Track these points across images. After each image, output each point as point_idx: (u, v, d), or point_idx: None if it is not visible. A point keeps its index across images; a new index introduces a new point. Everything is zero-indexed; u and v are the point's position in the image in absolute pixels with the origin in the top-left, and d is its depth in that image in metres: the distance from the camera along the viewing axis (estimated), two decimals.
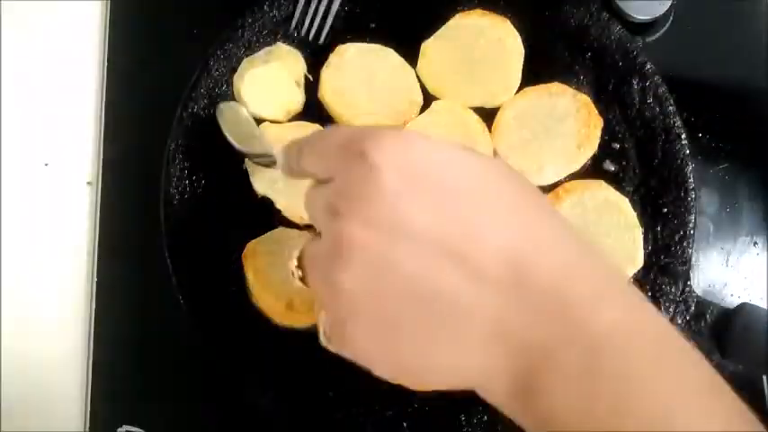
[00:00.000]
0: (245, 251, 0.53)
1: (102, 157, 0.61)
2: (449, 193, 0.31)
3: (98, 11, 0.64)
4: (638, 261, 0.52)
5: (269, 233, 0.54)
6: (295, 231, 0.54)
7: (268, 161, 0.51)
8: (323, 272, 0.33)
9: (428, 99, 0.56)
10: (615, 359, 0.28)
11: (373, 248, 0.31)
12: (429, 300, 0.30)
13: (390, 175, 0.31)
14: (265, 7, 0.57)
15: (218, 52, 0.56)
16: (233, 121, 0.53)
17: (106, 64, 0.63)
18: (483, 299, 0.30)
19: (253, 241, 0.53)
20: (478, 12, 0.56)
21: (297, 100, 0.56)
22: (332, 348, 0.35)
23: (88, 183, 0.61)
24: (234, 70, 0.57)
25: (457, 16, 0.56)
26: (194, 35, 0.62)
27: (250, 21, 0.57)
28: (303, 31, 0.57)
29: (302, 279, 0.37)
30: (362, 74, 0.56)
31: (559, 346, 0.29)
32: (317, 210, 0.34)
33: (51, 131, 0.62)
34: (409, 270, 0.30)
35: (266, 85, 0.56)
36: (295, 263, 0.37)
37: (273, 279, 0.52)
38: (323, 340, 0.35)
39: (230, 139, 0.52)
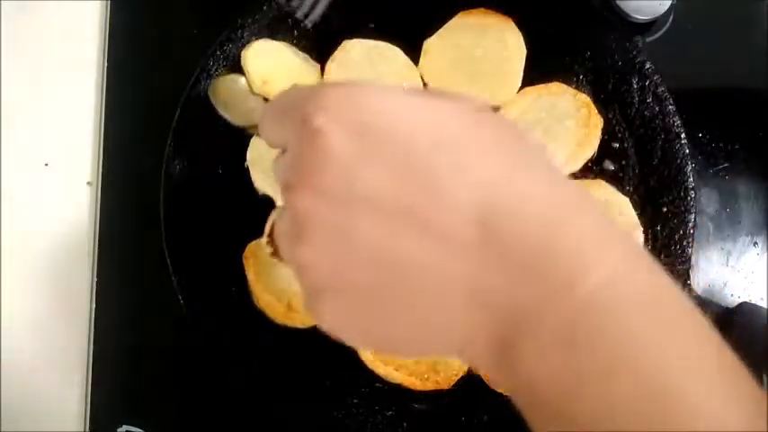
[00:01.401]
0: (245, 252, 0.53)
1: (102, 157, 0.61)
2: (404, 148, 0.28)
3: (98, 11, 0.64)
4: None
5: None
6: None
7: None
8: (287, 248, 0.31)
9: None
10: (601, 327, 0.26)
11: (330, 221, 0.28)
12: (396, 270, 0.28)
13: (336, 137, 0.28)
14: (265, 8, 0.57)
15: (218, 52, 0.56)
16: (229, 95, 0.51)
17: (106, 64, 0.63)
18: (454, 264, 0.27)
19: (253, 242, 0.53)
20: (481, 11, 0.56)
21: (311, 75, 0.55)
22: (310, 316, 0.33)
23: (88, 183, 0.61)
24: (234, 71, 0.57)
25: (459, 15, 0.56)
26: (194, 35, 0.62)
27: (250, 21, 0.57)
28: (300, 15, 0.56)
29: (273, 253, 0.35)
30: (366, 70, 0.56)
31: (539, 311, 0.26)
32: (278, 182, 0.32)
33: (51, 131, 0.62)
34: (371, 240, 0.28)
35: (273, 58, 0.55)
36: (266, 238, 0.35)
37: (274, 280, 0.52)
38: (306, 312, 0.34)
39: (225, 115, 0.51)
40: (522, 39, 0.55)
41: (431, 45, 0.56)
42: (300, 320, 0.52)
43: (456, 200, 0.27)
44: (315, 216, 0.29)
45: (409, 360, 0.51)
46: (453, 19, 0.56)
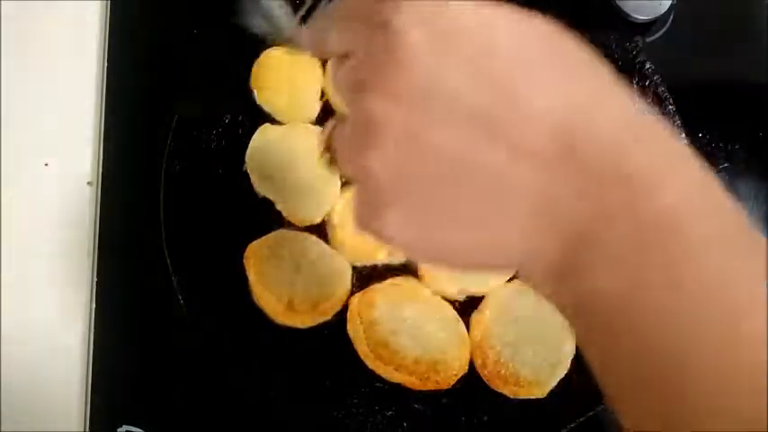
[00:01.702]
0: (246, 252, 0.53)
1: (102, 157, 0.61)
2: (485, 53, 0.27)
3: (98, 11, 0.64)
4: None
5: (269, 234, 0.54)
6: (295, 232, 0.54)
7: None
8: (351, 154, 0.30)
9: None
10: (673, 242, 0.25)
11: (403, 125, 0.27)
12: (467, 178, 0.27)
13: (416, 37, 0.27)
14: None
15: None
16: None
17: (106, 64, 0.63)
18: (527, 173, 0.27)
19: (254, 242, 0.53)
20: None
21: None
22: (363, 231, 0.31)
23: (88, 183, 0.61)
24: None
25: None
26: (194, 35, 0.62)
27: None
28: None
29: (331, 162, 0.33)
30: None
31: (609, 222, 0.26)
32: (342, 86, 0.31)
33: (51, 131, 0.62)
34: (444, 147, 0.27)
35: (284, 72, 0.55)
36: (323, 146, 0.33)
37: (274, 280, 0.52)
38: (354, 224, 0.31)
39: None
40: None
41: None
42: (300, 320, 0.52)
43: (535, 109, 0.27)
44: (386, 120, 0.28)
45: (408, 360, 0.51)
46: None
